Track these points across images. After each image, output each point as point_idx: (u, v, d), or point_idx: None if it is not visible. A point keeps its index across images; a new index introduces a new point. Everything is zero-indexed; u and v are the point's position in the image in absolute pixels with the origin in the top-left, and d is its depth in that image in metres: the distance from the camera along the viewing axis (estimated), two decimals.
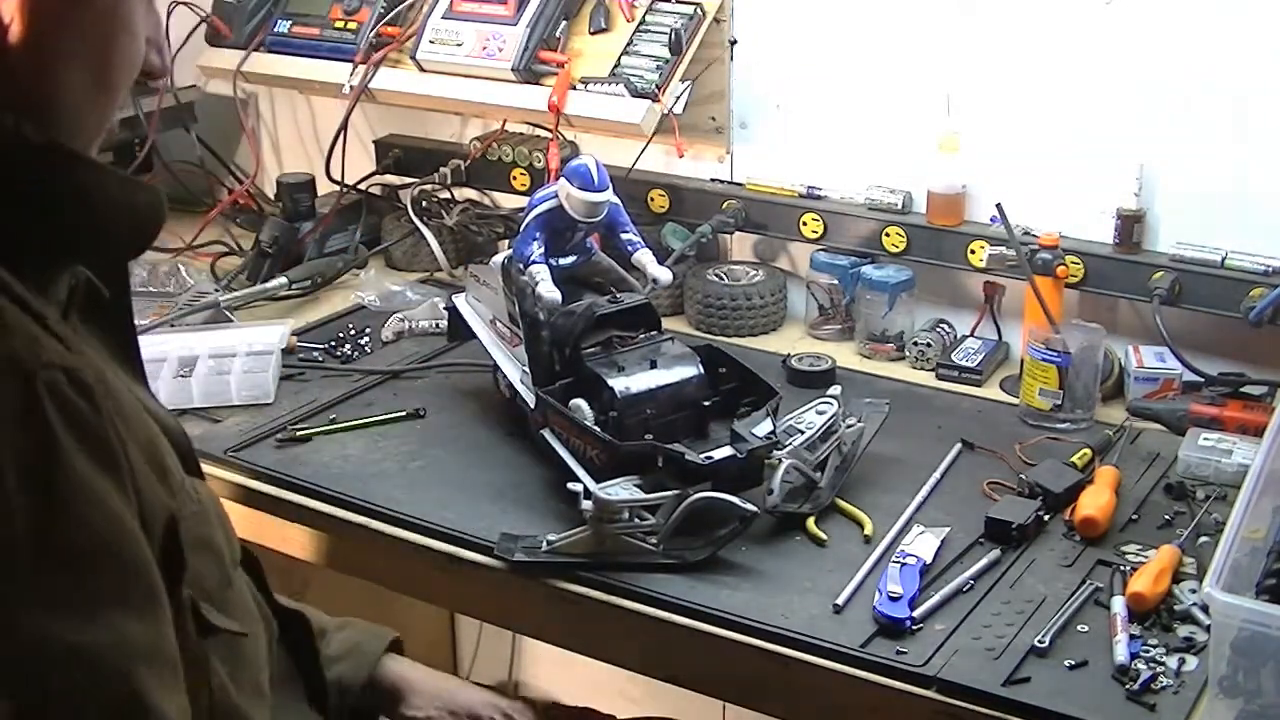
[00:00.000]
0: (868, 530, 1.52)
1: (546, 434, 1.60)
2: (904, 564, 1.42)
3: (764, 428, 1.54)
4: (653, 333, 1.66)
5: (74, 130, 0.93)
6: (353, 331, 2.06)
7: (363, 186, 2.41)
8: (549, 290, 1.64)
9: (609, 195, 1.68)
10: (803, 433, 1.57)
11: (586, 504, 1.46)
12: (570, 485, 1.50)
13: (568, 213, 1.67)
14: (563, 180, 1.67)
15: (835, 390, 1.66)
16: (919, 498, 1.58)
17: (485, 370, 1.85)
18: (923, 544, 1.46)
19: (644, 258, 1.74)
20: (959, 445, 1.70)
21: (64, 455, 0.80)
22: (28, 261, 0.87)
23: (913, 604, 1.37)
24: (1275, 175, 1.77)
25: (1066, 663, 1.30)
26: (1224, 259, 1.79)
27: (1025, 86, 1.91)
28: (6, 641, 0.75)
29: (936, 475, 1.63)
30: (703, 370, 1.61)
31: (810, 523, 1.52)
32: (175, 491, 0.93)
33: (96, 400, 0.84)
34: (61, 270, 0.94)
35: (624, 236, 1.74)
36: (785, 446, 1.54)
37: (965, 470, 1.66)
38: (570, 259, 1.74)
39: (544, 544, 1.47)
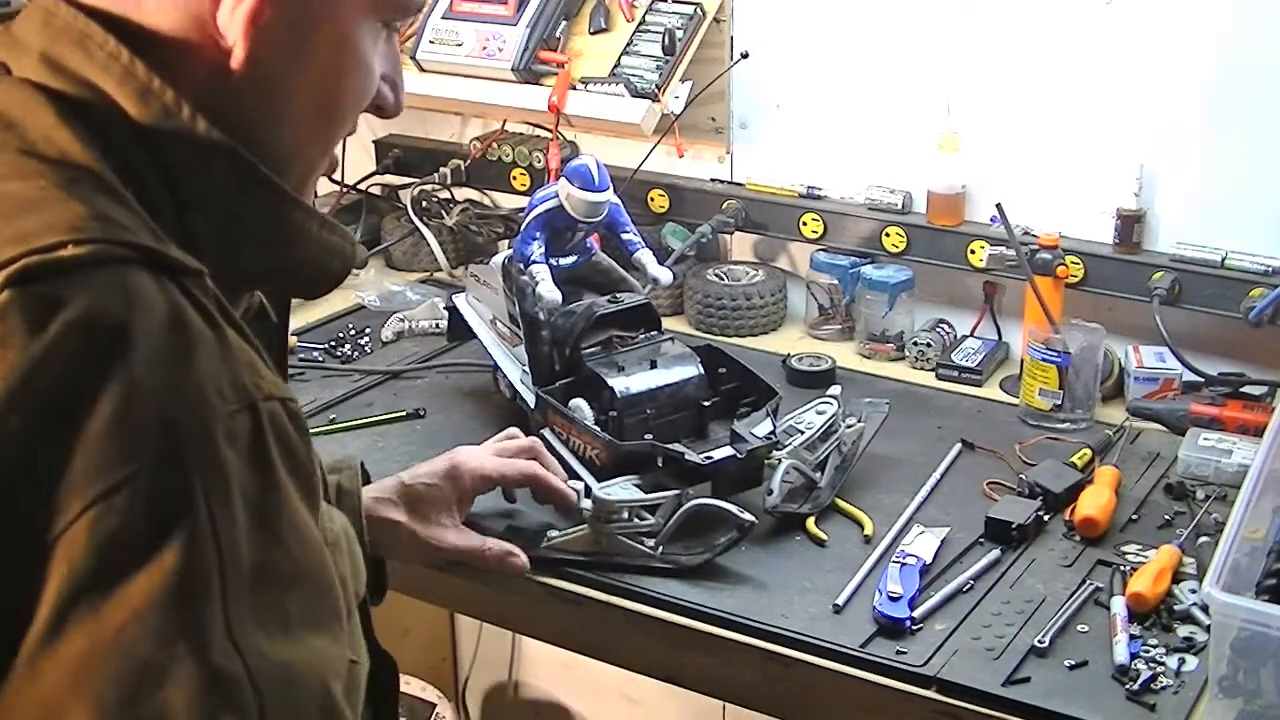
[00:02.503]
0: (868, 530, 1.52)
1: (547, 433, 1.60)
2: (904, 564, 1.42)
3: (764, 428, 1.54)
4: (653, 333, 1.66)
5: (291, 160, 0.93)
6: (353, 331, 2.06)
7: (363, 186, 2.41)
8: (549, 290, 1.64)
9: (609, 195, 1.68)
10: (802, 433, 1.57)
11: (586, 503, 1.46)
12: (571, 484, 1.51)
13: (568, 212, 1.67)
14: (563, 180, 1.67)
15: (835, 390, 1.66)
16: (919, 498, 1.58)
17: (485, 370, 1.85)
18: (923, 544, 1.46)
19: (644, 258, 1.74)
20: (959, 445, 1.70)
21: (283, 490, 0.83)
22: (219, 282, 0.88)
23: (913, 604, 1.37)
24: (1275, 175, 1.77)
25: (1066, 663, 1.30)
26: (1224, 259, 1.79)
27: (1025, 86, 1.91)
28: (230, 661, 0.78)
29: (936, 475, 1.63)
30: (703, 370, 1.61)
31: (810, 523, 1.52)
32: (319, 519, 0.95)
33: (304, 429, 0.87)
34: (247, 293, 0.96)
35: (624, 236, 1.74)
36: (785, 447, 1.54)
37: (965, 470, 1.66)
38: (570, 259, 1.74)
39: (545, 540, 1.47)
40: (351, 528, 1.11)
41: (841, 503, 1.57)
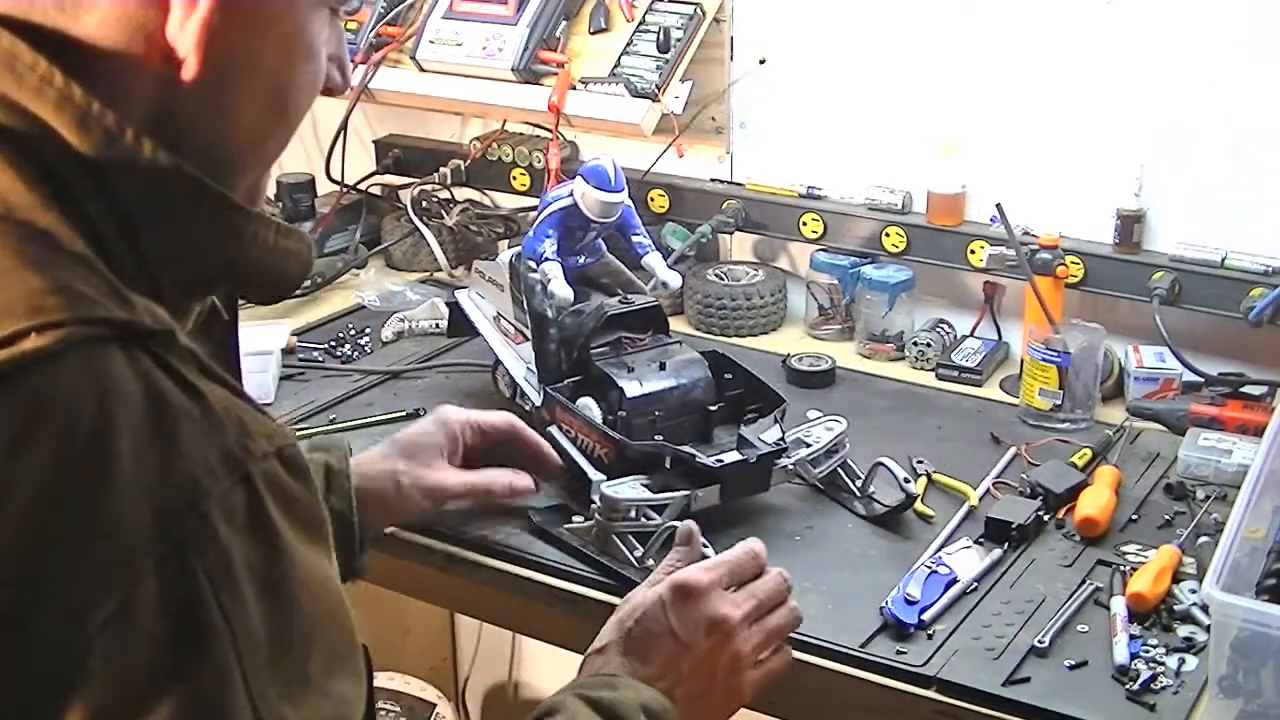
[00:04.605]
0: (972, 500, 1.56)
1: (554, 431, 1.60)
2: (934, 571, 1.41)
3: (771, 434, 1.54)
4: (660, 335, 1.66)
5: (245, 164, 0.90)
6: (353, 331, 2.06)
7: (363, 186, 2.41)
8: (561, 288, 1.64)
9: (625, 197, 1.68)
10: (809, 445, 1.57)
11: (595, 498, 1.46)
12: (592, 476, 1.51)
13: (582, 212, 1.67)
14: (578, 179, 1.67)
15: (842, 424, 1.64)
16: (964, 509, 1.57)
17: (485, 370, 1.85)
18: (964, 559, 1.45)
19: (654, 261, 1.73)
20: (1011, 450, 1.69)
21: (288, 550, 0.80)
22: (176, 293, 0.86)
23: (924, 612, 1.36)
24: (1274, 175, 1.77)
25: (1066, 663, 1.30)
26: (1224, 259, 1.79)
27: (1025, 87, 1.91)
28: None
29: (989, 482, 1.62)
30: (710, 375, 1.61)
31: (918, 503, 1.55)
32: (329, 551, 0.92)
33: (306, 475, 0.83)
34: (201, 300, 0.93)
35: (635, 239, 1.74)
36: (794, 455, 1.54)
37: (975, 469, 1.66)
38: (581, 259, 1.74)
39: (570, 521, 1.50)
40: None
41: (942, 478, 1.61)
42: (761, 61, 2.06)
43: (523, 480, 1.53)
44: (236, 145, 0.88)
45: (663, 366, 1.60)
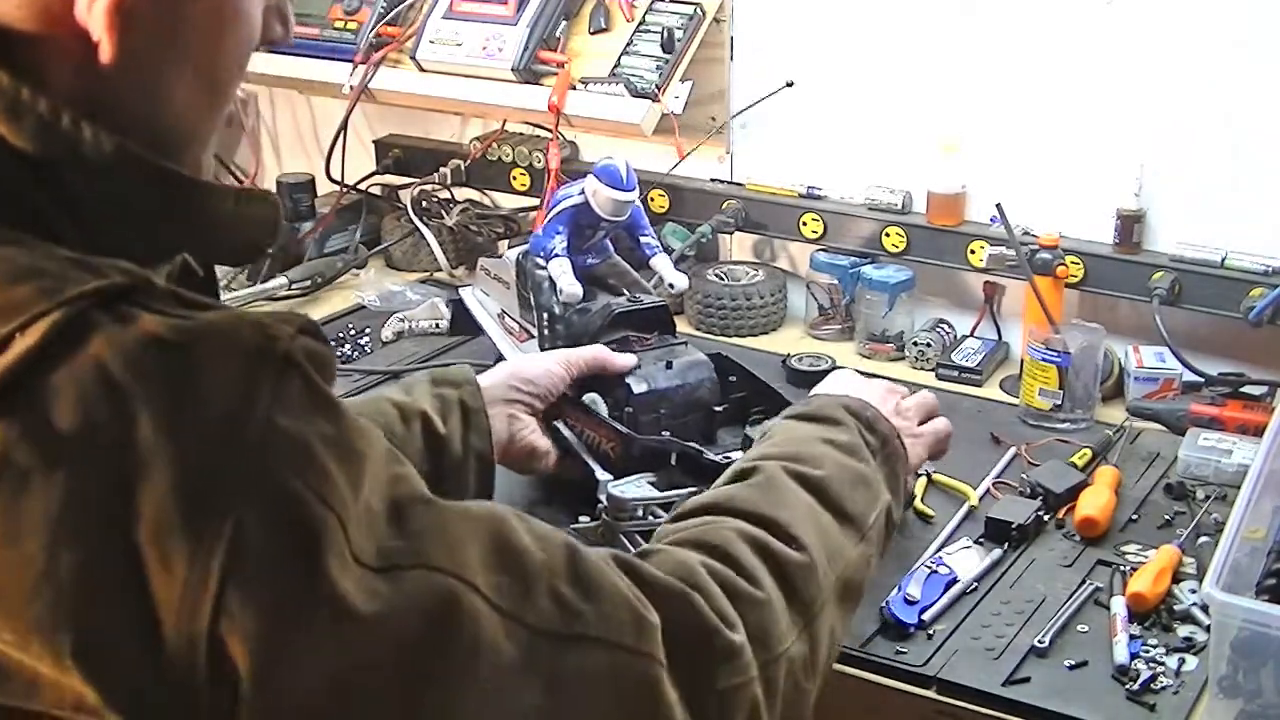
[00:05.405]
0: (972, 500, 1.56)
1: (560, 425, 1.59)
2: (934, 571, 1.41)
3: None
4: (666, 336, 1.66)
5: (186, 136, 0.86)
6: (353, 331, 2.06)
7: (363, 186, 2.41)
8: (570, 284, 1.64)
9: (636, 196, 1.68)
10: None
11: (602, 498, 1.46)
12: (599, 476, 1.51)
13: (593, 210, 1.68)
14: (590, 177, 1.68)
15: None
16: (964, 508, 1.57)
17: (486, 369, 1.85)
18: (964, 559, 1.45)
19: (661, 262, 1.74)
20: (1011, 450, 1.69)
21: (342, 414, 0.80)
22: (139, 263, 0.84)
23: (924, 612, 1.36)
24: (1275, 175, 1.77)
25: (1066, 663, 1.31)
26: (1224, 259, 1.80)
27: (1025, 87, 1.91)
28: (386, 580, 0.78)
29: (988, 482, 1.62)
30: (715, 376, 1.61)
31: (917, 501, 1.55)
32: None
33: (324, 337, 0.83)
34: (169, 262, 0.90)
35: (643, 239, 1.75)
36: None
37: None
38: (588, 258, 1.74)
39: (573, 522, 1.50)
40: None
41: (942, 478, 1.61)
42: (789, 84, 2.05)
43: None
44: (172, 122, 0.85)
45: (669, 366, 1.60)
